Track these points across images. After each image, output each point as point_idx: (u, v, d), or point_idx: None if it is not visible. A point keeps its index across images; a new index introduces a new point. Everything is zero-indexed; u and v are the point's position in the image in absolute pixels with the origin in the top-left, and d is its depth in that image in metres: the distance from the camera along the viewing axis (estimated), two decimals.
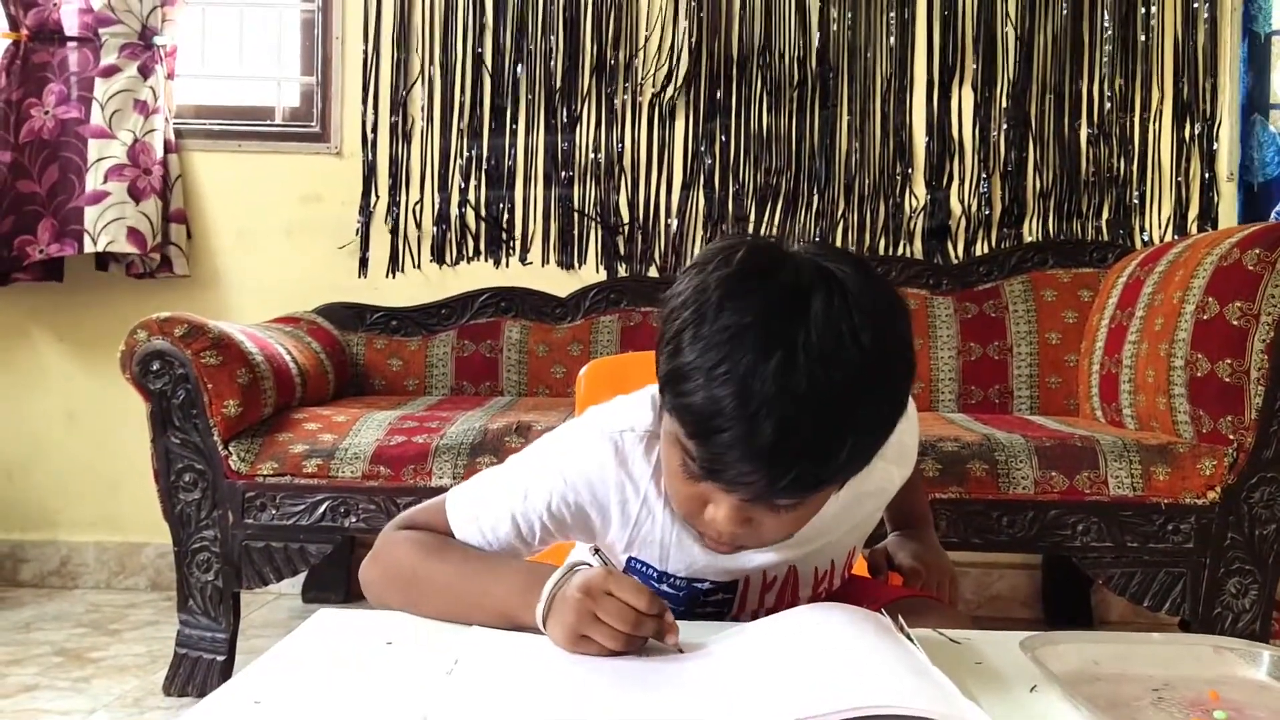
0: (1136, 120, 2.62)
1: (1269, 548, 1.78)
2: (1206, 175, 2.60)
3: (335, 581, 2.58)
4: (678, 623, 0.79)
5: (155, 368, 1.88)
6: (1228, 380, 1.78)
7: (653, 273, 2.68)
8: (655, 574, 0.96)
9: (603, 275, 2.68)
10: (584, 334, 2.58)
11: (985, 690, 0.74)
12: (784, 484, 0.76)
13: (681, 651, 0.78)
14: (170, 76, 2.70)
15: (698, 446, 0.77)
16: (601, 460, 0.92)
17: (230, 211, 2.73)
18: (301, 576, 2.52)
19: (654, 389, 0.93)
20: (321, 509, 1.88)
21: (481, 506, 0.94)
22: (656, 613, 0.78)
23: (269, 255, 2.72)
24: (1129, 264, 2.27)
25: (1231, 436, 1.78)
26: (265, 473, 1.89)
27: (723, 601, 0.97)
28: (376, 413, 2.06)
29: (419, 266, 2.71)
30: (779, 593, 0.97)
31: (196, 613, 1.91)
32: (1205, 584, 1.80)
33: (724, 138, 2.66)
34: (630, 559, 0.97)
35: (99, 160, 2.54)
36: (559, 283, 2.66)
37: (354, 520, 1.88)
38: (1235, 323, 1.78)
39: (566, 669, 0.75)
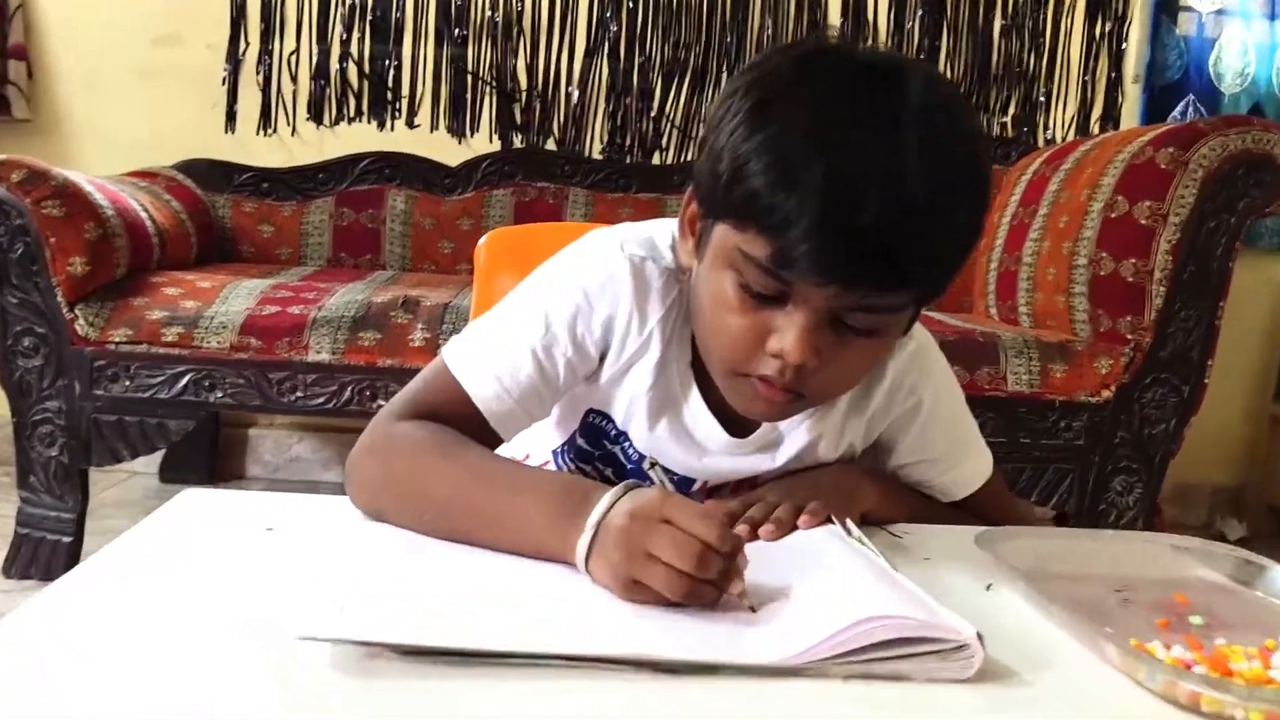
0: (1049, 14, 2.57)
1: (1157, 447, 1.81)
2: (1113, 75, 2.59)
3: (196, 461, 2.41)
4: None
5: None
6: (1131, 280, 1.78)
7: (550, 145, 2.54)
8: (614, 433, 0.87)
9: (497, 145, 2.53)
10: (475, 207, 2.43)
11: (939, 590, 0.68)
12: (879, 272, 0.66)
13: (754, 611, 0.58)
14: None
15: (778, 237, 0.65)
16: (620, 280, 0.80)
17: (77, 51, 2.45)
18: (159, 455, 2.35)
19: (669, 226, 0.83)
20: (183, 382, 1.72)
21: (493, 353, 0.79)
22: (729, 550, 0.59)
23: (121, 102, 2.46)
24: (1033, 161, 2.24)
25: (1129, 336, 1.78)
26: (117, 339, 1.70)
27: None
28: (246, 280, 1.89)
29: (293, 125, 2.50)
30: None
31: (39, 490, 1.74)
32: (1092, 481, 1.83)
33: (631, 5, 2.50)
34: (590, 412, 0.87)
35: None
36: (449, 151, 2.50)
37: (219, 395, 1.72)
38: (1143, 222, 1.77)
39: (479, 576, 0.66)
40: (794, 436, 0.85)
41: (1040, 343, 1.82)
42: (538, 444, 0.95)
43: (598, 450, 0.89)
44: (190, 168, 2.37)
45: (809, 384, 0.73)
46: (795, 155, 0.65)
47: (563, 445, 0.92)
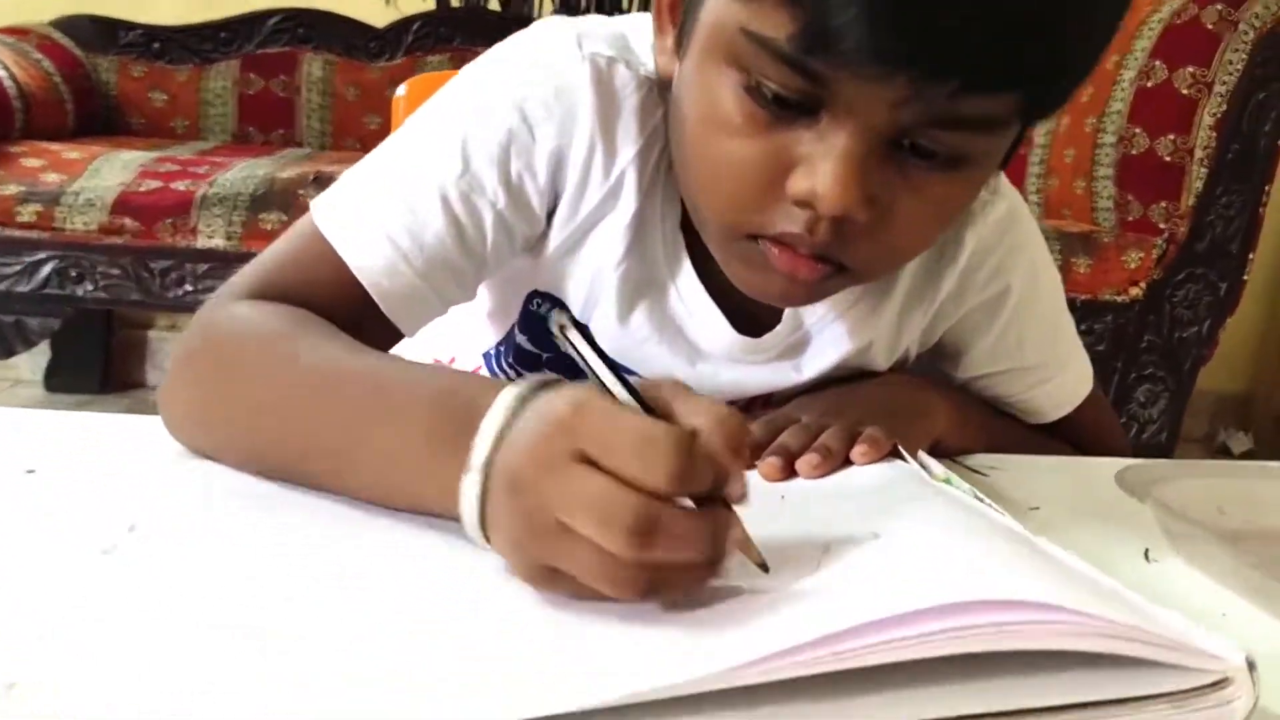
0: None
1: (1188, 352, 1.61)
2: None
3: (88, 367, 2.12)
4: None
5: None
6: (1168, 159, 1.56)
7: (493, 4, 2.25)
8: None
9: (431, 3, 2.23)
10: (405, 75, 2.09)
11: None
12: (974, 56, 0.40)
13: (766, 571, 0.34)
14: None
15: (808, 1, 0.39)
16: (576, 93, 0.52)
17: None
18: (44, 360, 2.05)
19: (648, 21, 0.54)
20: (44, 271, 1.43)
21: (383, 203, 0.52)
22: (702, 484, 0.33)
23: None
24: None
25: (1163, 225, 1.57)
26: None
27: None
28: (126, 152, 1.60)
29: None
30: None
31: None
32: (1113, 391, 1.62)
33: None
34: (534, 296, 0.60)
35: None
36: (375, 10, 2.20)
37: (89, 288, 1.44)
38: (1185, 92, 1.55)
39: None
40: (828, 337, 0.59)
41: (1060, 234, 1.60)
42: (463, 343, 0.68)
43: (545, 351, 0.62)
44: (68, 24, 2.07)
45: (853, 249, 0.47)
46: None
47: (498, 345, 0.65)
